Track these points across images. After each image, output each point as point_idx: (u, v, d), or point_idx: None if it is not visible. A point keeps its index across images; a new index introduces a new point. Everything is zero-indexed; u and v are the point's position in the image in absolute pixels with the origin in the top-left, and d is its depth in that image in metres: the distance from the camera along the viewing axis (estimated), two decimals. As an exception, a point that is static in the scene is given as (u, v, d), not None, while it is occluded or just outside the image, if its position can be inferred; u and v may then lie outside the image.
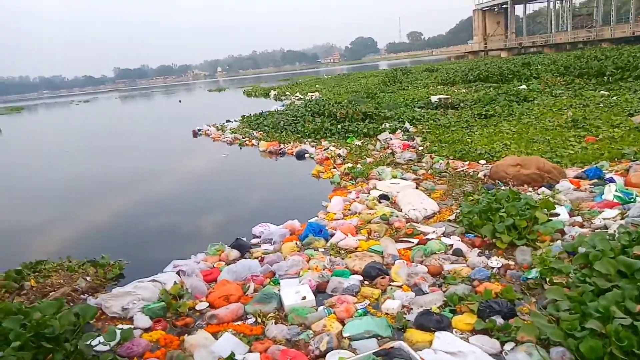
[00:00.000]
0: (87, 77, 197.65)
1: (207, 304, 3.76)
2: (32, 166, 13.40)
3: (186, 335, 3.31)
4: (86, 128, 24.66)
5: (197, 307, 3.73)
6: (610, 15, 43.26)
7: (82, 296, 4.20)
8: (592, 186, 5.48)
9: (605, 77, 14.53)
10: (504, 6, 51.74)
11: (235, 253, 4.81)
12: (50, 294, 4.21)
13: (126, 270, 4.83)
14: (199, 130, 15.27)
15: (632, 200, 4.73)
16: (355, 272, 4.07)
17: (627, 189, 5.02)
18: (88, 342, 2.98)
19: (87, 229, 6.86)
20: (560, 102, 11.56)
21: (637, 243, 3.28)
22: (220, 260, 4.71)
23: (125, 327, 3.42)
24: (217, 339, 3.19)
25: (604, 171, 5.88)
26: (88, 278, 4.50)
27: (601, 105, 10.39)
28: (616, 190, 4.95)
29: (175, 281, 4.11)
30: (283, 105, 19.63)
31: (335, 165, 8.43)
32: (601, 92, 12.60)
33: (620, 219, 4.34)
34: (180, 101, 37.99)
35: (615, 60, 15.94)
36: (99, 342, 3.08)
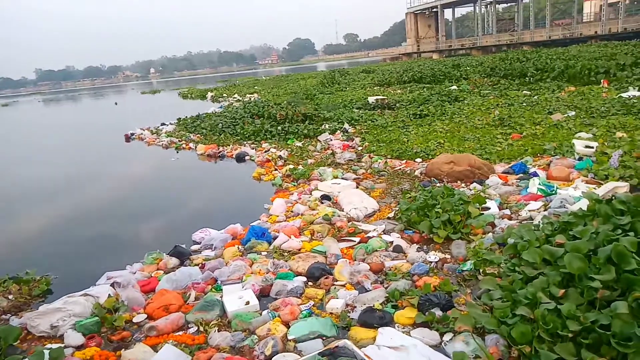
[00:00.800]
0: (4, 79, 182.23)
1: (146, 316, 3.59)
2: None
3: (123, 350, 3.14)
4: (8, 134, 22.81)
5: (134, 320, 3.56)
6: (529, 20, 46.50)
7: (3, 316, 3.87)
8: (518, 180, 5.85)
9: (527, 78, 15.61)
10: (434, 10, 53.98)
11: (174, 261, 4.64)
12: (-33, 316, 3.85)
13: (54, 285, 4.51)
14: (132, 134, 14.62)
15: (553, 192, 5.09)
16: (299, 274, 4.06)
17: (548, 182, 5.41)
18: (12, 366, 2.76)
19: (9, 243, 6.35)
20: (488, 101, 12.25)
21: (559, 232, 3.52)
22: (158, 269, 4.53)
23: (55, 346, 3.21)
24: (156, 352, 3.06)
25: (528, 166, 6.30)
26: (10, 296, 4.15)
27: (524, 104, 11.13)
28: (539, 184, 5.32)
29: (109, 294, 3.90)
30: (221, 107, 19.27)
31: (276, 167, 8.39)
32: (524, 91, 13.51)
33: (544, 210, 4.67)
34: (116, 103, 36.15)
35: (535, 62, 17.13)
36: (25, 365, 2.85)
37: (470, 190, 5.64)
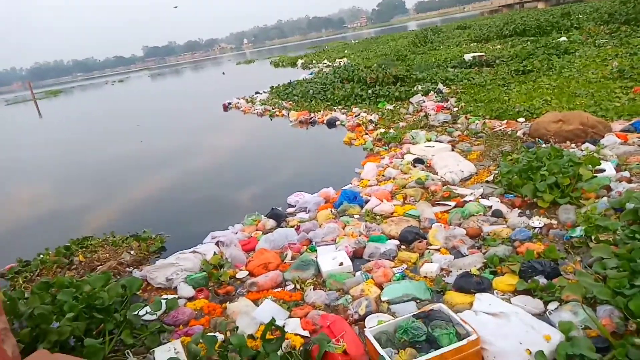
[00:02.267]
0: (117, 58, 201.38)
1: (247, 273, 3.84)
2: (73, 148, 13.88)
3: (228, 302, 3.40)
4: (125, 108, 25.22)
5: (237, 276, 3.82)
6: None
7: (127, 269, 4.38)
8: (641, 139, 5.18)
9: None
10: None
11: (271, 222, 4.86)
12: (98, 268, 4.42)
13: (167, 243, 4.99)
14: (229, 103, 15.34)
15: (685, 151, 4.44)
16: (392, 237, 4.04)
17: (680, 140, 4.72)
18: (136, 312, 3.12)
19: (128, 206, 7.10)
20: (604, 52, 10.87)
21: (692, 196, 3.09)
22: (257, 230, 4.78)
23: (170, 297, 3.57)
24: (257, 306, 3.27)
25: (653, 122, 5.53)
26: (132, 252, 4.68)
27: (650, 52, 9.71)
28: (668, 142, 4.66)
29: (214, 252, 4.22)
30: (311, 74, 19.38)
31: (367, 131, 8.31)
32: (650, 38, 11.76)
33: (673, 172, 4.10)
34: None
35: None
36: (146, 312, 3.22)
37: (582, 151, 5.12)
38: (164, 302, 3.29)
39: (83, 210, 7.14)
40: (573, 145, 5.45)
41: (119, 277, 4.15)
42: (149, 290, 3.88)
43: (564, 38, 14.39)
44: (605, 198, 3.88)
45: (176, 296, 3.62)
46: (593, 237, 3.30)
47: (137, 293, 3.61)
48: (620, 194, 3.82)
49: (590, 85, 8.06)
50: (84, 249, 4.88)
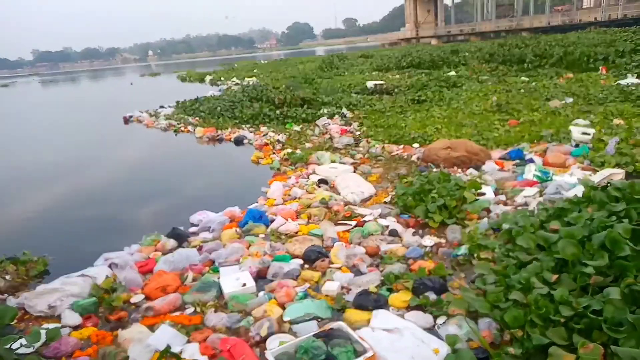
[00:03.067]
0: (0, 60, 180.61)
1: (143, 296, 3.63)
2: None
3: (120, 330, 3.17)
4: (9, 115, 22.62)
5: (132, 300, 3.59)
6: (528, 6, 46.06)
7: (0, 296, 3.89)
8: (515, 166, 5.87)
9: (525, 64, 15.52)
10: (435, -6, 53.49)
11: (172, 243, 4.66)
12: (-36, 295, 3.87)
13: (52, 266, 4.52)
14: (130, 116, 14.53)
15: (549, 179, 5.11)
16: (296, 256, 4.09)
17: (545, 169, 5.43)
18: (8, 346, 2.78)
19: (6, 224, 6.35)
20: (486, 87, 12.19)
21: (554, 218, 3.55)
22: (156, 251, 4.54)
23: (52, 326, 3.23)
24: (153, 332, 3.09)
25: (524, 152, 6.30)
26: (7, 276, 4.16)
27: (522, 90, 11.09)
28: (535, 170, 5.33)
29: (107, 275, 3.93)
30: (220, 91, 19.15)
31: (274, 150, 8.38)
32: (522, 78, 13.46)
33: (539, 197, 4.69)
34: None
35: (534, 48, 17.00)
36: (21, 345, 2.88)
37: (467, 175, 5.65)
38: (43, 332, 2.97)
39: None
40: (459, 170, 6.00)
41: (-11, 306, 3.67)
42: (27, 319, 3.48)
43: (453, 72, 15.90)
44: (485, 219, 4.31)
45: (59, 325, 3.29)
46: (475, 255, 3.64)
47: (11, 324, 3.23)
48: (498, 216, 4.28)
49: (474, 117, 8.96)
50: (-54, 275, 4.24)
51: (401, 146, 7.48)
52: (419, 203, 4.65)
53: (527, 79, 13.16)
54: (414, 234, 4.33)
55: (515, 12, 46.48)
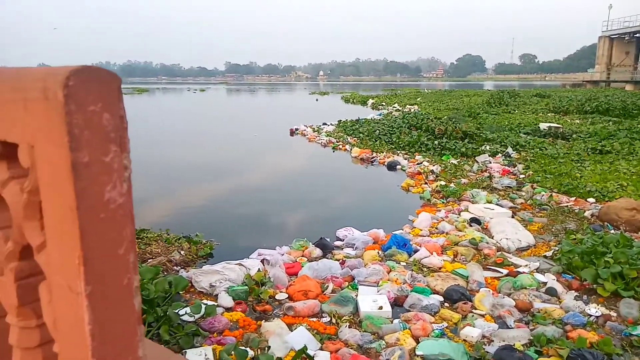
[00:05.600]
0: (200, 68, 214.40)
1: (287, 295, 3.88)
2: (151, 144, 14.76)
3: (263, 321, 3.45)
4: (204, 114, 26.67)
5: (277, 297, 3.87)
6: None
7: (175, 267, 4.55)
8: None
9: None
10: (637, 35, 46.95)
11: (318, 251, 4.91)
12: (149, 260, 4.62)
13: (215, 251, 5.14)
14: (296, 129, 15.79)
15: None
16: (436, 292, 3.96)
17: None
18: (177, 311, 3.23)
19: (186, 207, 7.41)
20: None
21: None
22: (302, 256, 4.84)
23: (210, 303, 3.67)
24: (291, 330, 3.29)
25: None
26: (182, 252, 4.87)
27: None
28: None
29: (259, 268, 4.31)
30: (380, 115, 19.59)
31: (427, 180, 8.24)
32: None
33: None
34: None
35: None
36: (186, 313, 3.32)
37: (655, 245, 4.79)
38: (203, 306, 3.40)
39: (143, 202, 7.52)
40: (646, 237, 5.13)
41: (166, 273, 4.32)
42: (192, 292, 4.01)
43: (650, 124, 13.71)
44: (675, 300, 3.60)
45: (216, 304, 3.71)
46: (656, 340, 3.06)
47: (181, 292, 3.74)
48: (692, 300, 3.54)
49: (673, 178, 7.59)
50: (139, 240, 5.13)
51: (573, 198, 6.70)
52: (588, 265, 4.09)
53: None
54: (576, 297, 3.83)
55: None
